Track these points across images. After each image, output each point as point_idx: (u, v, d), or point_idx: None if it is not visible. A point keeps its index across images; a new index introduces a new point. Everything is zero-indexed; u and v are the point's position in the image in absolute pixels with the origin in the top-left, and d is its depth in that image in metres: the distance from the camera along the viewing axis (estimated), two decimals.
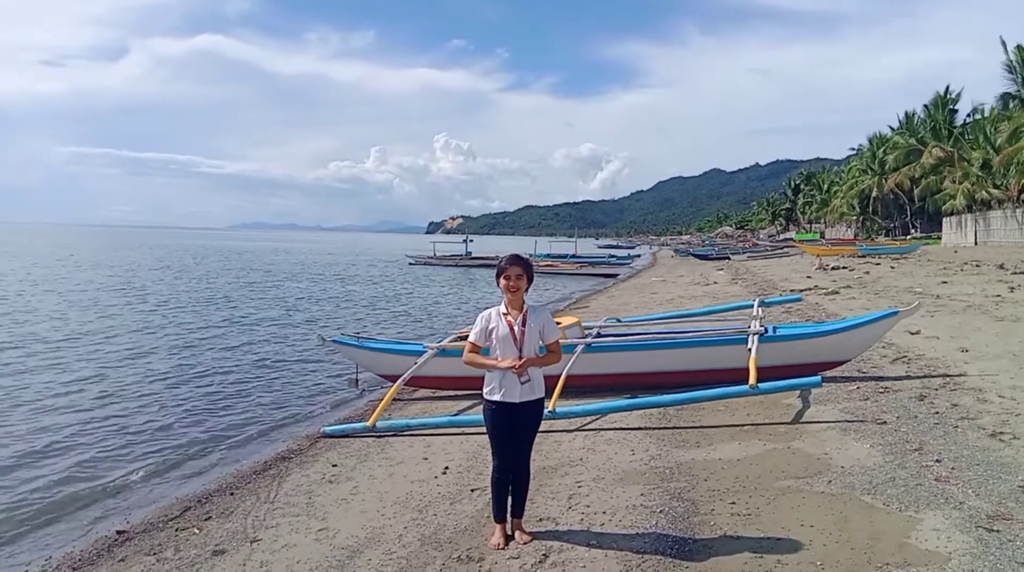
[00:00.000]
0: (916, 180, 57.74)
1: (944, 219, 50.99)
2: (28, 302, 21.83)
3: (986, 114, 50.74)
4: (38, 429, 8.37)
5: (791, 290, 18.74)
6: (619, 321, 10.84)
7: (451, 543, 4.41)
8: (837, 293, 17.42)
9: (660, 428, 6.75)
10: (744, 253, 55.39)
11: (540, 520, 4.59)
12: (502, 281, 4.15)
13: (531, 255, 43.86)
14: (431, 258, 53.17)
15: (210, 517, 5.42)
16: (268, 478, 6.31)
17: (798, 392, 7.27)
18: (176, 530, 5.23)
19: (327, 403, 9.95)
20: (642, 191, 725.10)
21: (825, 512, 4.35)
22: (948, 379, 7.57)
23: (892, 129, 70.14)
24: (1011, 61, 45.50)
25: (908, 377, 7.87)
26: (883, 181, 65.03)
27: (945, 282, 18.25)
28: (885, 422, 6.14)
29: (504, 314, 4.18)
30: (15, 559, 5.17)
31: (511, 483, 4.27)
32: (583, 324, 9.28)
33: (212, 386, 10.89)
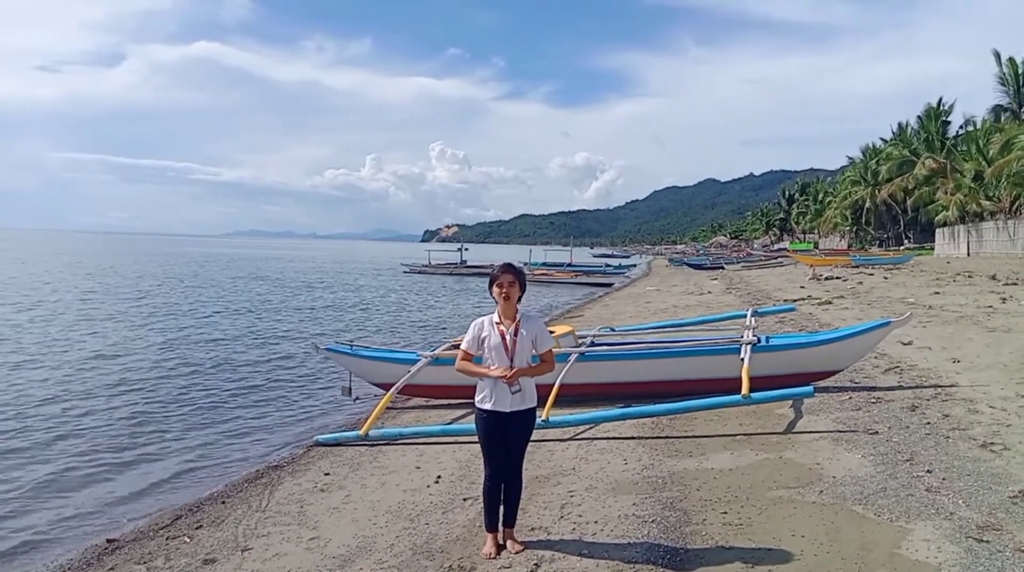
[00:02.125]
0: (909, 191, 58.07)
1: (937, 230, 51.28)
2: (32, 310, 21.72)
3: (978, 126, 51.14)
4: (28, 437, 8.30)
5: (785, 300, 18.82)
6: (613, 330, 10.86)
7: (443, 552, 4.40)
8: (830, 303, 17.48)
9: (653, 438, 6.76)
10: (738, 263, 55.59)
11: (532, 529, 4.59)
12: (495, 290, 4.17)
13: (526, 264, 43.84)
14: (426, 266, 53.21)
15: (201, 526, 5.39)
16: (260, 487, 6.29)
17: (790, 402, 7.28)
18: (167, 539, 5.20)
19: (320, 411, 9.92)
20: (637, 201, 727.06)
21: (816, 522, 4.35)
22: (940, 390, 7.61)
23: (885, 141, 70.59)
24: (1003, 74, 45.97)
25: (900, 387, 7.90)
26: (876, 192, 65.40)
27: (937, 293, 18.34)
28: (877, 432, 6.16)
29: (497, 323, 4.19)
30: (4, 568, 5.14)
31: (503, 492, 4.27)
32: (577, 333, 9.29)
33: (204, 395, 10.83)
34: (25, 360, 13.16)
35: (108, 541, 5.32)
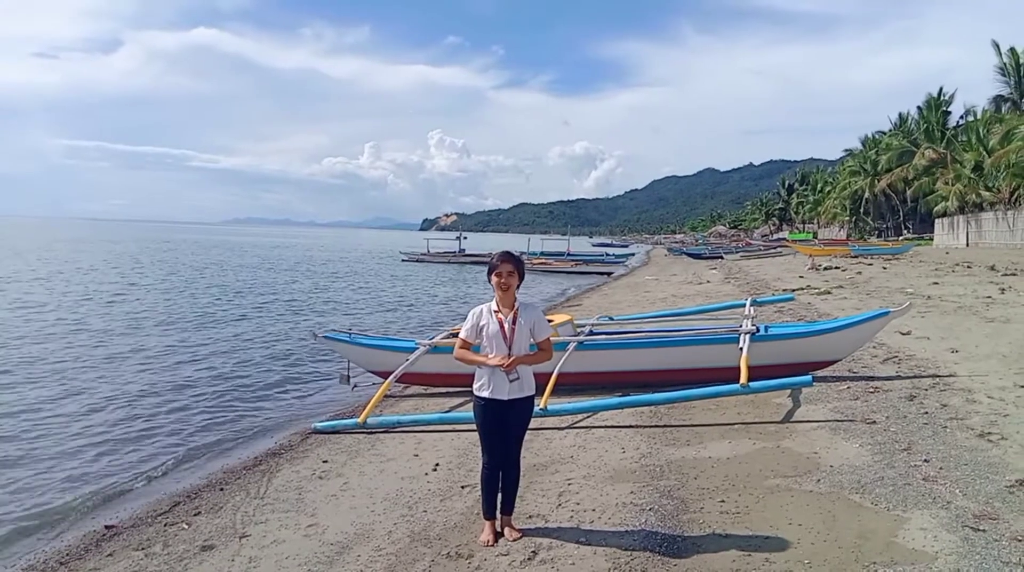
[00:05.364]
0: (909, 181, 57.96)
1: (936, 220, 51.21)
2: (27, 296, 21.68)
3: (979, 116, 50.97)
4: (27, 424, 8.30)
5: (783, 289, 18.81)
6: (612, 319, 10.87)
7: (441, 540, 4.41)
8: (829, 293, 17.48)
9: (651, 426, 6.77)
10: (737, 252, 55.52)
11: (530, 517, 4.59)
12: (493, 278, 4.15)
13: (524, 253, 43.79)
14: (424, 255, 53.18)
15: (199, 512, 5.40)
16: (258, 474, 6.30)
17: (789, 391, 7.29)
18: (165, 525, 5.21)
19: (318, 399, 9.93)
20: (636, 190, 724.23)
21: (814, 511, 4.36)
22: (938, 379, 7.61)
23: (884, 133, 70.35)
24: (1004, 64, 45.77)
25: (898, 377, 7.90)
26: (875, 182, 65.27)
27: (936, 283, 18.34)
28: (875, 422, 6.17)
29: (495, 311, 4.18)
30: (3, 553, 5.14)
31: (501, 480, 4.27)
32: (575, 322, 9.29)
33: (202, 382, 10.83)
34: (31, 345, 13.14)
35: (106, 527, 5.33)
